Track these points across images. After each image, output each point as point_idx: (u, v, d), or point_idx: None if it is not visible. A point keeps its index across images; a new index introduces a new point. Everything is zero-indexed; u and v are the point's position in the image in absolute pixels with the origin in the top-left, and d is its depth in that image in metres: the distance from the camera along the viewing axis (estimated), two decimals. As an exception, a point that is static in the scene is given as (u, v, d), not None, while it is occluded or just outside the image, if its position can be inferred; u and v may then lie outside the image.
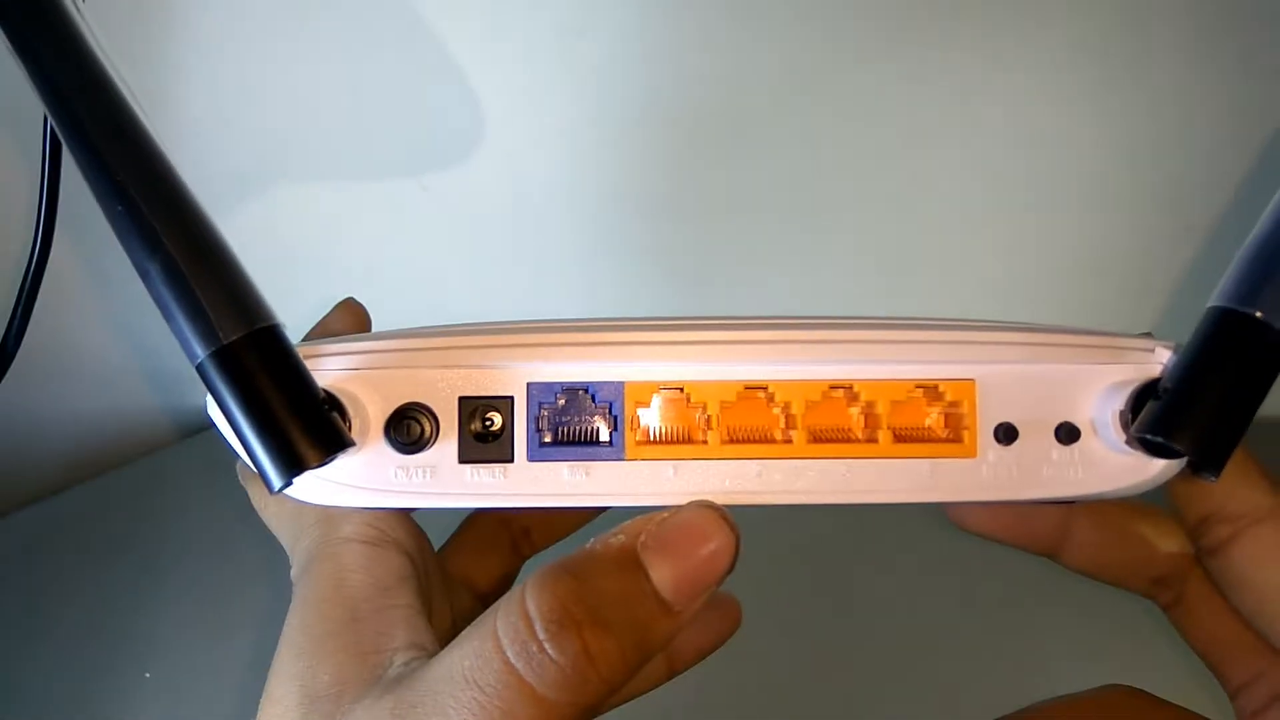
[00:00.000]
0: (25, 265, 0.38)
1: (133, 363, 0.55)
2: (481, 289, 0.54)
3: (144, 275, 0.21)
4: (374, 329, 0.28)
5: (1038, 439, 0.23)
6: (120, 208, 0.21)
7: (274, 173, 0.49)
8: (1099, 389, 0.23)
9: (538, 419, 0.24)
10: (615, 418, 0.24)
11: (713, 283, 0.54)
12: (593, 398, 0.24)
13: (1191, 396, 0.21)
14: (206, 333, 0.21)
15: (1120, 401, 0.23)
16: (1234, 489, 0.25)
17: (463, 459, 0.23)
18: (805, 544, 0.48)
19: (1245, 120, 0.48)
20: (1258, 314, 0.20)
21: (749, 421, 0.24)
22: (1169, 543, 0.27)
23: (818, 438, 0.24)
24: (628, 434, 0.24)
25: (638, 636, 0.21)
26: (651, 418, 0.24)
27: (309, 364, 0.23)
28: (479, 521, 0.31)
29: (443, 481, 0.23)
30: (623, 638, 0.20)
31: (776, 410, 0.24)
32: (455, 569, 0.31)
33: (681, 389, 0.24)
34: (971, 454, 0.23)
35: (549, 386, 0.24)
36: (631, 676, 0.21)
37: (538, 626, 0.20)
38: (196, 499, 0.52)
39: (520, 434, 0.24)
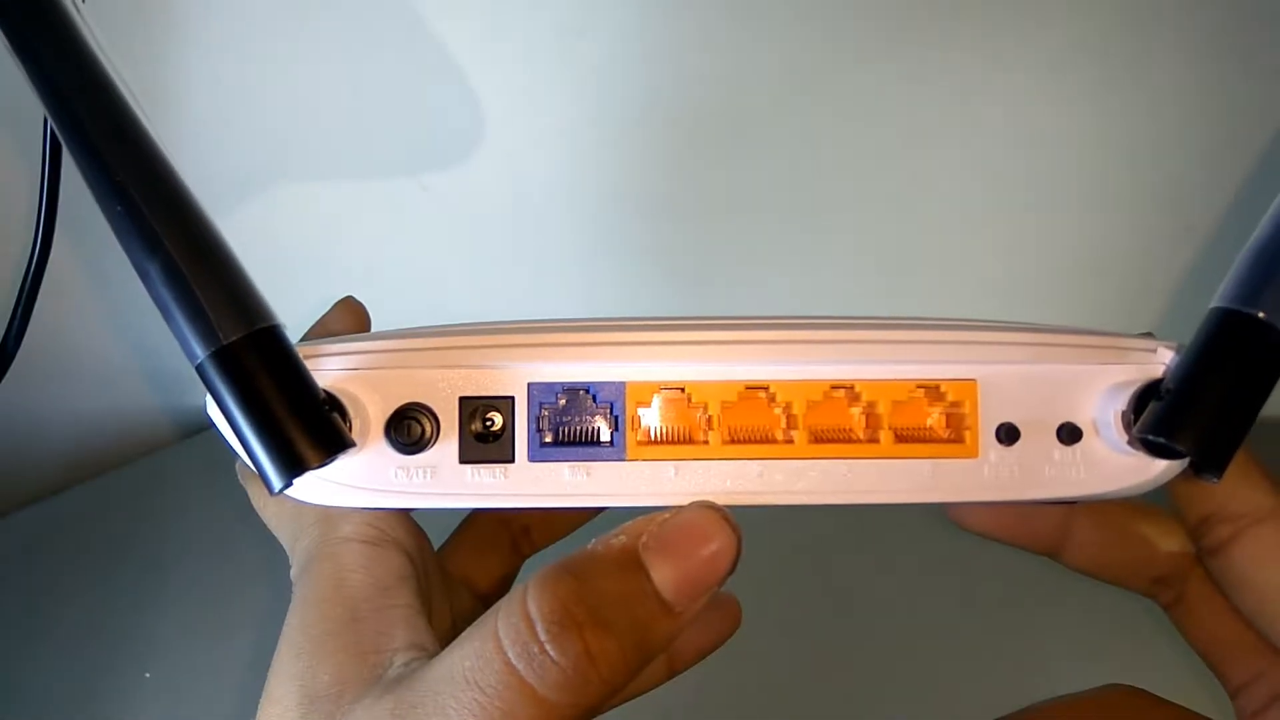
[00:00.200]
0: (25, 265, 0.38)
1: (133, 363, 0.55)
2: (481, 289, 0.54)
3: (144, 276, 0.21)
4: (374, 328, 0.28)
5: (1039, 439, 0.23)
6: (120, 208, 0.21)
7: (274, 172, 0.49)
8: (1101, 389, 0.23)
9: (538, 419, 0.23)
10: (616, 418, 0.24)
11: (713, 282, 0.54)
12: (594, 398, 0.24)
13: (1194, 397, 0.21)
14: (206, 333, 0.21)
15: (1122, 402, 0.23)
16: (1235, 489, 0.25)
17: (463, 459, 0.23)
18: (805, 544, 0.48)
19: (1245, 120, 0.48)
20: (1260, 315, 0.20)
21: (750, 422, 0.24)
22: (1170, 542, 0.27)
23: (819, 438, 0.24)
24: (629, 434, 0.24)
25: (639, 637, 0.21)
26: (652, 418, 0.24)
27: (309, 364, 0.22)
28: (479, 520, 0.31)
29: (443, 482, 0.23)
30: (624, 638, 0.20)
31: (778, 410, 0.24)
32: (455, 568, 0.31)
33: (682, 389, 0.24)
34: (973, 454, 0.23)
35: (550, 386, 0.23)
36: (633, 677, 0.21)
37: (539, 627, 0.20)
38: (196, 499, 0.52)
39: (521, 434, 0.23)
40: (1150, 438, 0.21)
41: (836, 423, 0.24)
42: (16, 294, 0.38)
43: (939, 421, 0.24)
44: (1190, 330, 0.22)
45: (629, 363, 0.23)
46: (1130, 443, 0.23)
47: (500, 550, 0.32)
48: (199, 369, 0.20)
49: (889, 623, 0.46)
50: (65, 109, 0.22)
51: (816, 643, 0.45)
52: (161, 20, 0.44)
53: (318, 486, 0.23)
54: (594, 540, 0.22)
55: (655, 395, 0.24)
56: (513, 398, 0.23)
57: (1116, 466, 0.23)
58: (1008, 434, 0.23)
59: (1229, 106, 0.47)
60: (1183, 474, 0.23)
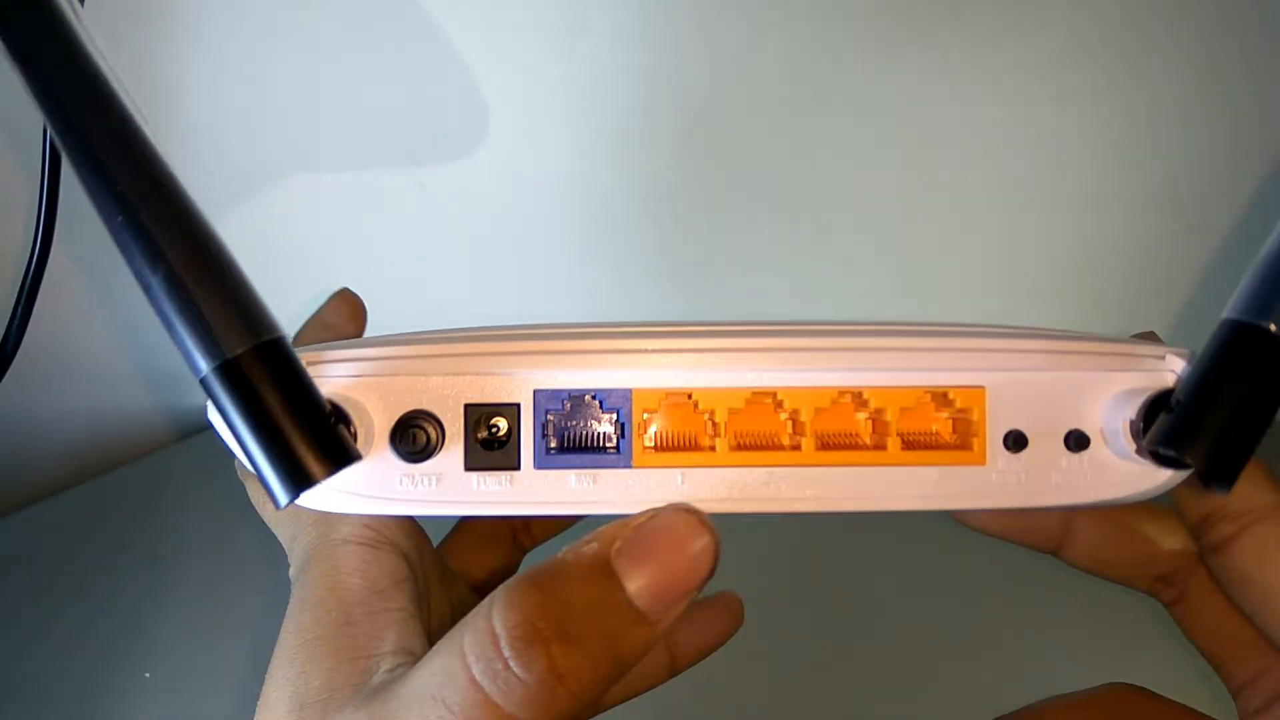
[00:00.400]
0: (25, 266, 0.38)
1: (133, 363, 0.55)
2: (481, 288, 0.54)
3: (146, 288, 0.20)
4: (374, 327, 0.28)
5: (1047, 447, 0.23)
6: (120, 219, 0.20)
7: (273, 171, 0.49)
8: (1109, 396, 0.23)
9: (544, 426, 0.23)
10: (623, 424, 0.23)
11: (712, 281, 0.54)
12: (600, 404, 0.23)
13: (1204, 411, 0.21)
14: (210, 347, 0.20)
15: (1131, 410, 0.23)
16: (1237, 487, 0.24)
17: (469, 466, 0.23)
18: (806, 544, 0.48)
19: (1245, 120, 0.48)
20: (1271, 327, 0.20)
21: (757, 428, 0.24)
22: (1172, 540, 0.27)
23: (826, 444, 0.24)
24: (635, 441, 0.23)
25: (611, 650, 0.20)
26: (659, 424, 0.24)
27: (312, 370, 0.22)
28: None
29: (448, 489, 0.23)
30: (594, 652, 0.20)
31: (784, 417, 0.24)
32: (456, 562, 0.30)
33: (689, 395, 0.23)
34: (980, 461, 0.23)
35: (556, 393, 0.23)
36: (607, 690, 0.21)
37: (503, 644, 0.20)
38: (196, 499, 0.52)
39: (527, 441, 0.23)
40: (1160, 450, 0.21)
41: (844, 429, 0.24)
42: (16, 294, 0.38)
43: (946, 428, 0.24)
44: (1192, 331, 0.22)
45: (635, 370, 0.23)
46: (1138, 452, 0.23)
47: (500, 544, 0.32)
48: (203, 383, 0.20)
49: (889, 622, 0.46)
50: (64, 119, 0.21)
51: (816, 642, 0.45)
52: (161, 20, 0.44)
53: (322, 494, 0.23)
54: (565, 548, 0.21)
55: (662, 402, 0.23)
56: (518, 405, 0.23)
57: (1123, 474, 0.23)
58: (1016, 441, 0.23)
59: (1229, 106, 0.47)
60: (1189, 482, 0.23)
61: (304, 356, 0.22)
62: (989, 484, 0.23)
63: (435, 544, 0.29)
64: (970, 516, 0.28)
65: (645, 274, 0.54)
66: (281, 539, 0.26)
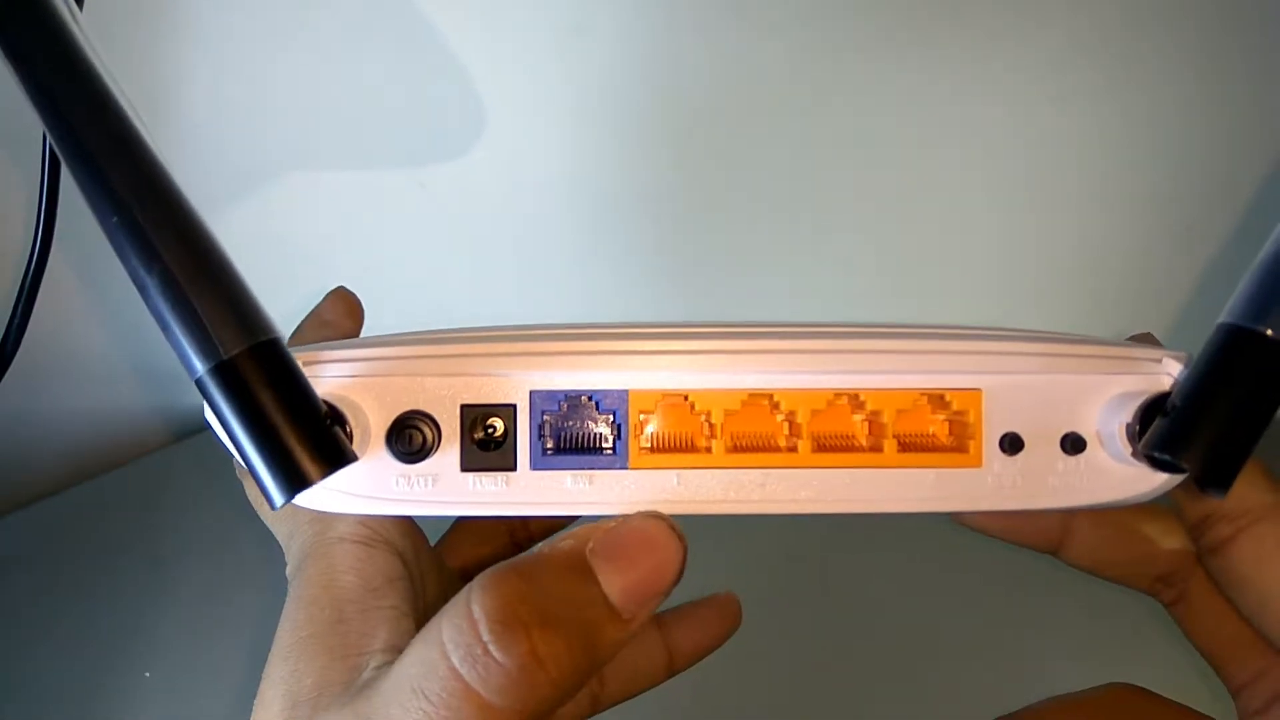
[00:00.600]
0: (25, 265, 0.38)
1: (132, 363, 0.55)
2: (479, 287, 0.54)
3: (141, 289, 0.20)
4: (372, 327, 0.28)
5: (1043, 449, 0.23)
6: (116, 219, 0.20)
7: (273, 171, 0.49)
8: (1105, 399, 0.23)
9: (541, 427, 0.23)
10: (619, 426, 0.23)
11: (711, 281, 0.54)
12: (596, 405, 0.23)
13: (1200, 416, 0.21)
14: (205, 347, 0.20)
15: (1127, 414, 0.22)
16: (1235, 488, 0.24)
17: (465, 467, 0.23)
18: (805, 543, 0.48)
19: (1246, 120, 0.48)
20: (1268, 332, 0.20)
21: (753, 429, 0.24)
22: (1171, 540, 0.27)
23: (822, 446, 0.24)
24: (631, 442, 0.23)
25: (587, 640, 0.20)
26: (655, 426, 0.24)
27: (308, 370, 0.22)
28: None
29: (444, 490, 0.23)
30: (572, 639, 0.20)
31: (781, 418, 0.24)
32: (453, 560, 0.30)
33: (685, 397, 0.23)
34: (976, 464, 0.23)
35: (552, 394, 0.23)
36: (581, 685, 0.21)
37: (482, 628, 0.20)
38: (196, 499, 0.52)
39: (523, 442, 0.23)
40: (1156, 455, 0.21)
41: (840, 431, 0.24)
42: (16, 294, 0.38)
43: (943, 430, 0.24)
44: (1192, 331, 0.22)
45: (632, 371, 0.23)
46: (1134, 455, 0.22)
47: (497, 542, 0.32)
48: (199, 384, 0.20)
49: (888, 622, 0.46)
50: (58, 119, 0.21)
51: (816, 642, 0.45)
52: (161, 20, 0.44)
53: (319, 494, 0.23)
54: (541, 543, 0.22)
55: (658, 403, 0.23)
56: (515, 405, 0.23)
57: (1119, 477, 0.23)
58: (1012, 444, 0.23)
59: (1229, 106, 0.47)
60: (1185, 486, 0.23)
61: (300, 356, 0.22)
62: (985, 486, 0.23)
63: (432, 542, 0.29)
64: (968, 517, 0.28)
65: (645, 274, 0.54)
66: (279, 537, 0.26)
